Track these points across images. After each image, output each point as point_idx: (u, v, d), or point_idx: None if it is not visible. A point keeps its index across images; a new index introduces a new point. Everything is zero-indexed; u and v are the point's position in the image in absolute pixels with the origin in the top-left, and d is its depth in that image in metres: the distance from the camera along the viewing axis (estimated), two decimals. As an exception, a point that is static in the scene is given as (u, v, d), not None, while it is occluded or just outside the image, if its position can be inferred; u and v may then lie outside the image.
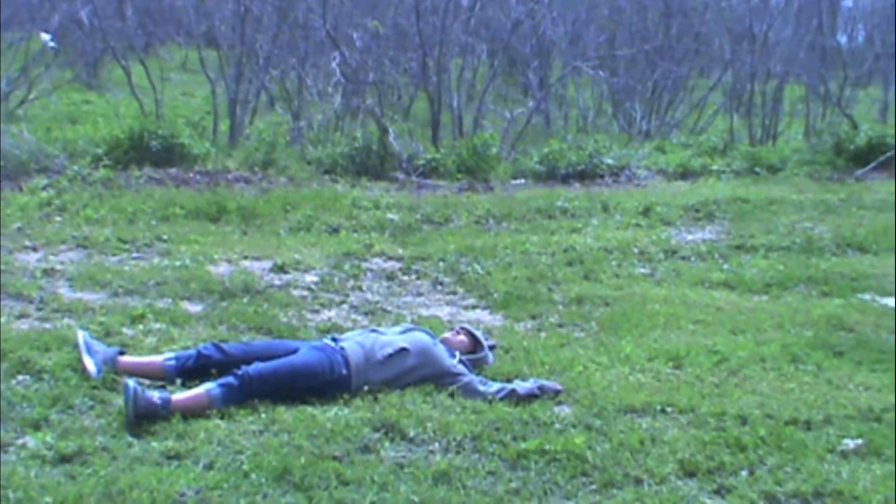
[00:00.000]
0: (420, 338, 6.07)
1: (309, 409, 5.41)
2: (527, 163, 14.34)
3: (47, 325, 6.62)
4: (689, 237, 10.69)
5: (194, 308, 7.32)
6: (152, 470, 4.62)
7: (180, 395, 5.33)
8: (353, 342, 5.91)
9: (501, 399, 5.73)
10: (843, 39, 24.26)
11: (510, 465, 4.94)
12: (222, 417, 5.24)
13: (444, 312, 7.73)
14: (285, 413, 5.33)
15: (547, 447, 5.04)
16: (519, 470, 4.89)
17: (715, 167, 14.96)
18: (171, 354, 5.90)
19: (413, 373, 5.86)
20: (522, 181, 13.74)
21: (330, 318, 7.33)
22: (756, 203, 12.29)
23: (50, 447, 4.77)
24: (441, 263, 9.14)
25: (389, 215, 10.94)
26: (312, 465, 4.72)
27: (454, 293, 8.34)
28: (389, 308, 7.73)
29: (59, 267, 8.17)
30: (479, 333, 6.40)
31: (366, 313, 7.55)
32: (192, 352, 5.87)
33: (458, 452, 5.05)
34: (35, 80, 17.17)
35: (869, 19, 24.96)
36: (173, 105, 17.37)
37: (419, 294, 8.29)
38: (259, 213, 10.62)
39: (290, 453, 4.85)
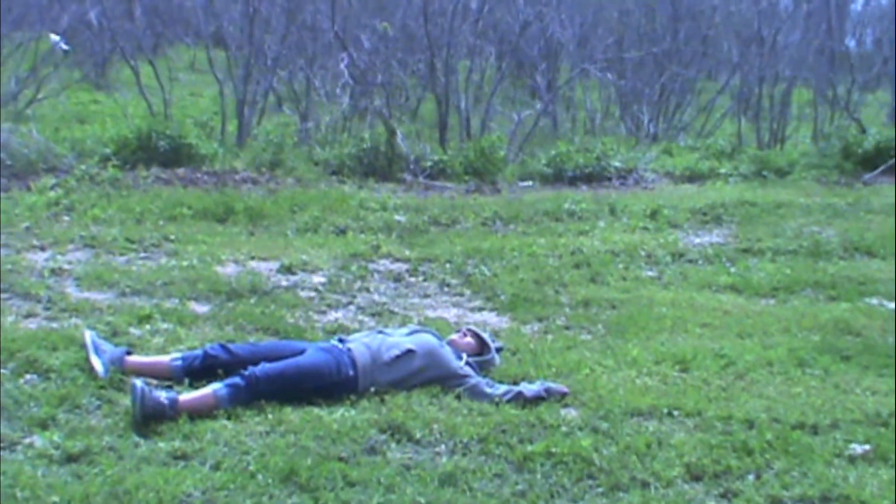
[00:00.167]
0: (427, 339, 6.07)
1: (315, 410, 5.41)
2: (534, 165, 14.34)
3: (55, 325, 6.63)
4: (697, 240, 10.68)
5: (201, 308, 7.33)
6: (159, 470, 4.62)
7: (187, 396, 5.34)
8: (360, 343, 5.91)
9: (508, 401, 5.73)
10: (851, 43, 24.28)
11: (516, 468, 4.94)
12: (229, 418, 5.24)
13: (450, 314, 7.73)
14: (292, 414, 5.33)
15: (553, 450, 5.04)
16: (525, 472, 4.89)
17: (722, 170, 14.94)
18: (178, 355, 5.91)
19: (420, 374, 5.86)
20: (530, 183, 13.75)
21: (337, 320, 7.33)
22: (763, 207, 12.28)
23: (57, 446, 4.77)
24: (448, 265, 9.14)
25: (397, 217, 10.94)
26: (319, 467, 4.72)
27: (461, 295, 8.34)
28: (396, 309, 7.73)
29: (66, 266, 8.19)
30: (485, 335, 6.40)
31: (373, 315, 7.55)
32: (198, 352, 5.88)
33: (464, 454, 5.05)
34: (44, 80, 17.19)
35: (877, 23, 24.93)
36: (181, 105, 17.40)
37: (426, 296, 8.29)
38: (266, 214, 10.63)
39: (297, 454, 4.85)
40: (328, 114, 16.24)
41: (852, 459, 5.19)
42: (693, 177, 14.73)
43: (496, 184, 13.46)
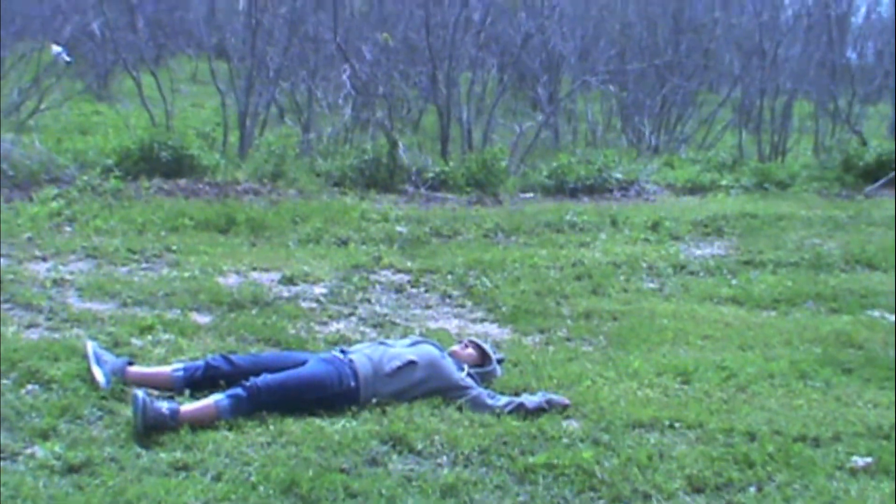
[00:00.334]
0: (428, 350, 6.07)
1: (317, 421, 5.41)
2: (536, 177, 14.35)
3: (56, 335, 6.63)
4: (698, 252, 10.69)
5: (203, 319, 7.33)
6: (160, 481, 4.62)
7: (189, 407, 5.34)
8: (362, 354, 5.91)
9: (509, 413, 5.73)
10: (852, 56, 24.28)
11: (518, 480, 4.94)
12: (230, 429, 5.24)
13: (452, 325, 7.73)
14: (293, 425, 5.33)
15: (555, 461, 5.04)
16: (527, 484, 4.89)
17: (724, 183, 14.95)
18: (180, 365, 5.91)
19: (421, 386, 5.86)
20: (531, 195, 13.75)
21: (338, 331, 7.33)
22: (765, 219, 12.28)
23: (58, 457, 4.77)
24: (449, 276, 9.14)
25: (398, 228, 10.95)
26: (320, 478, 4.72)
27: (462, 306, 8.35)
28: (398, 321, 7.73)
29: (68, 277, 8.19)
30: (487, 347, 6.40)
31: (374, 326, 7.55)
32: (200, 363, 5.88)
33: (465, 466, 5.05)
34: (46, 90, 17.20)
35: (878, 36, 24.94)
36: (183, 116, 17.42)
37: (427, 307, 8.29)
38: (268, 225, 10.64)
39: (298, 465, 4.85)
40: (330, 125, 16.26)
41: (854, 472, 5.19)
42: (694, 189, 14.74)
43: (498, 195, 13.47)
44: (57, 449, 4.84)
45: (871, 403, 6.22)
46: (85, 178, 11.86)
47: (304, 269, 8.96)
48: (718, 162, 16.46)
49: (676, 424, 5.70)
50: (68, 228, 10.06)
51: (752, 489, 4.95)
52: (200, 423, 5.23)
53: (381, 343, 6.22)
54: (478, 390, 5.93)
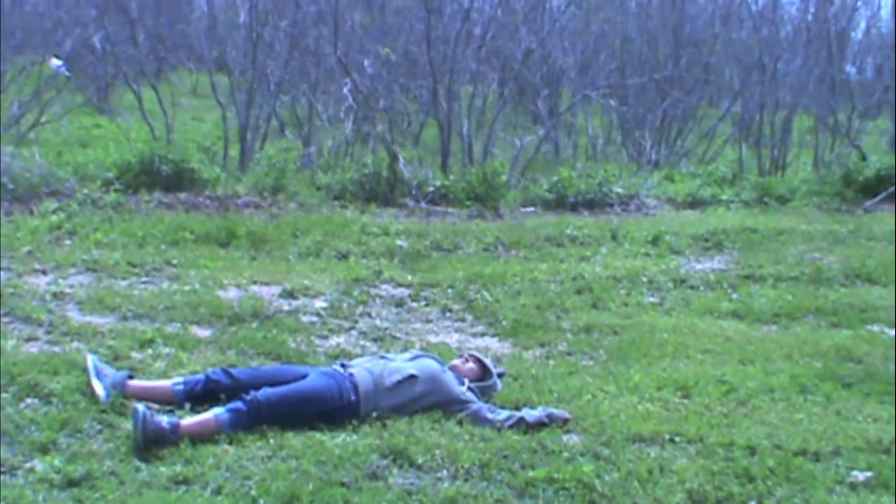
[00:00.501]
0: (429, 365, 6.07)
1: (317, 435, 5.41)
2: (536, 191, 14.36)
3: (56, 349, 6.63)
4: (698, 266, 10.69)
5: (203, 333, 7.33)
6: (160, 494, 4.62)
7: (189, 420, 5.34)
8: (362, 368, 5.91)
9: (510, 427, 5.73)
10: (852, 71, 24.31)
11: (518, 494, 4.93)
12: (231, 443, 5.24)
13: (452, 339, 7.74)
14: (293, 439, 5.33)
15: (555, 476, 5.03)
16: (527, 498, 4.89)
17: (724, 197, 14.96)
18: (180, 379, 5.91)
19: (422, 400, 5.85)
20: (532, 209, 13.76)
21: (339, 344, 7.33)
22: (765, 233, 12.28)
23: (58, 471, 4.76)
24: (450, 290, 9.14)
25: (399, 242, 10.95)
26: (320, 492, 4.72)
27: (463, 320, 8.35)
28: (398, 334, 7.73)
29: (68, 290, 8.19)
30: (487, 361, 6.40)
31: (374, 340, 7.55)
32: (200, 377, 5.88)
33: (466, 480, 5.04)
34: (46, 104, 17.21)
35: (878, 51, 24.98)
36: (184, 130, 17.43)
37: (428, 321, 8.29)
38: (268, 239, 10.64)
39: (299, 479, 4.84)
40: (331, 139, 16.28)
41: (854, 486, 5.19)
42: (695, 203, 14.75)
43: (498, 209, 13.47)
44: (57, 463, 4.84)
45: (871, 418, 6.22)
46: (85, 191, 11.87)
47: (304, 282, 8.96)
48: (719, 176, 16.47)
49: (677, 438, 5.70)
50: (68, 242, 10.06)
51: (753, 503, 4.94)
52: (200, 437, 5.23)
53: (382, 357, 6.22)
54: (478, 404, 5.93)
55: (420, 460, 5.20)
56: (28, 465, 4.87)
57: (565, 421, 5.86)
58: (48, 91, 17.41)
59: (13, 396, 5.67)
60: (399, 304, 8.71)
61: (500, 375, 6.40)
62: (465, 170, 14.82)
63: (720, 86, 22.72)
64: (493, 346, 7.58)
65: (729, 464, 5.34)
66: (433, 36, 15.55)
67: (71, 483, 4.69)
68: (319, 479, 4.86)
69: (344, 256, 10.30)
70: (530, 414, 5.86)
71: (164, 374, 6.20)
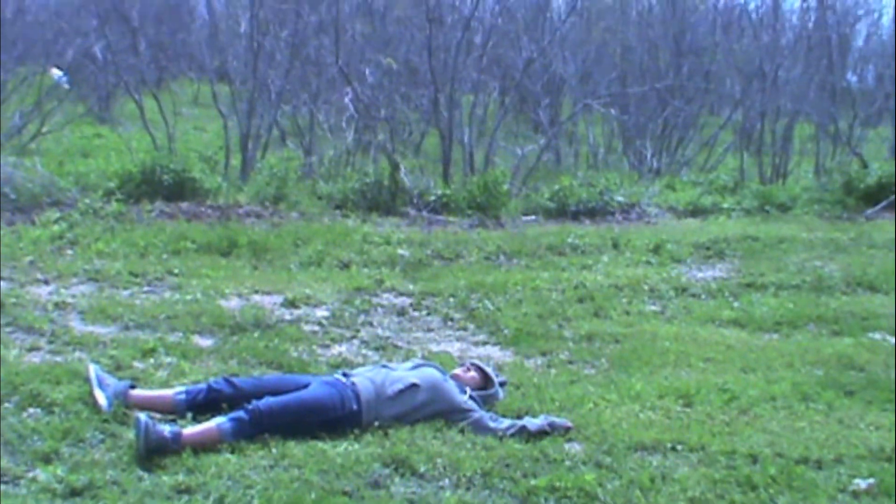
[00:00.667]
0: (430, 374, 6.07)
1: (319, 444, 5.41)
2: (537, 199, 14.36)
3: (58, 359, 6.63)
4: (700, 275, 10.69)
5: (205, 342, 7.34)
6: (162, 504, 4.63)
7: (191, 430, 5.34)
8: (364, 377, 5.92)
9: (512, 435, 5.73)
10: (853, 79, 24.33)
11: (521, 502, 4.94)
12: (233, 452, 5.24)
13: (454, 348, 7.73)
14: (295, 448, 5.33)
15: (557, 484, 5.03)
16: (529, 507, 4.89)
17: (725, 205, 14.96)
18: (182, 388, 5.91)
19: (424, 409, 5.86)
20: (533, 218, 13.76)
21: (340, 353, 7.33)
22: (766, 241, 12.28)
23: (60, 480, 4.76)
24: (451, 299, 9.14)
25: (400, 251, 10.95)
26: (323, 501, 4.72)
27: (465, 329, 8.35)
28: (400, 343, 7.73)
29: (70, 300, 8.19)
30: (489, 370, 6.40)
31: (376, 349, 7.55)
32: (202, 386, 5.88)
33: (468, 489, 5.04)
34: (48, 114, 17.26)
35: (879, 59, 24.98)
36: (185, 139, 17.46)
37: (430, 330, 8.29)
38: (270, 248, 10.64)
39: (301, 488, 4.84)
40: (332, 148, 16.29)
41: (856, 494, 5.19)
42: (696, 211, 14.75)
43: (499, 218, 13.48)
44: (59, 472, 4.84)
45: (873, 426, 6.22)
46: (87, 201, 11.88)
47: (305, 291, 8.97)
48: (720, 184, 16.47)
49: (678, 447, 5.70)
50: (70, 251, 10.07)
51: (755, 512, 4.95)
52: (203, 447, 5.23)
53: (384, 366, 6.23)
54: (480, 413, 5.93)
55: (422, 469, 5.20)
56: (30, 474, 4.88)
57: (567, 429, 5.86)
58: (50, 101, 17.45)
59: (15, 406, 5.67)
60: (401, 313, 8.71)
61: (501, 384, 6.40)
62: (467, 179, 14.83)
63: (721, 94, 22.75)
64: (494, 355, 7.58)
65: (731, 472, 5.34)
66: (434, 45, 15.56)
67: (73, 492, 4.69)
68: (321, 489, 4.87)
69: (345, 266, 10.30)
70: (532, 422, 5.86)
71: (165, 384, 6.20)
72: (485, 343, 7.97)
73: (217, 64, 17.19)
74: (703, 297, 9.73)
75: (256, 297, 8.80)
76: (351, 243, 11.11)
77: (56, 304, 8.00)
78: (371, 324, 8.27)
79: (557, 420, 5.92)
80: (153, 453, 5.09)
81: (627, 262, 11.06)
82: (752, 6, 21.93)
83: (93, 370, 5.90)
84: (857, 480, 5.33)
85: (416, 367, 6.19)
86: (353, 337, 7.84)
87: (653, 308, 9.29)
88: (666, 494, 5.04)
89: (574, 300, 9.30)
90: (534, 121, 20.11)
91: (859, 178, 16.05)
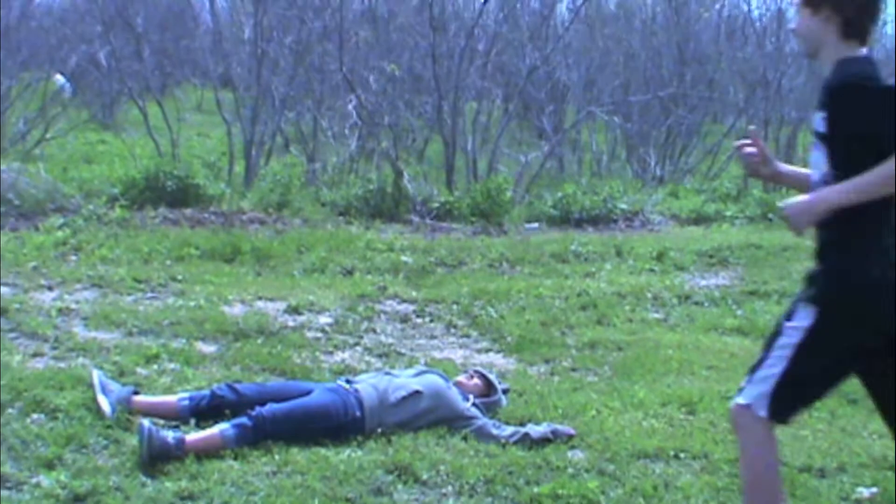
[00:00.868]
0: (434, 381, 6.08)
1: (322, 450, 5.42)
2: (541, 207, 14.36)
3: (62, 365, 6.64)
4: (703, 283, 10.69)
5: (208, 348, 7.35)
6: (166, 510, 4.63)
7: (194, 436, 5.35)
8: (367, 384, 5.92)
9: (515, 443, 5.73)
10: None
11: (523, 510, 4.94)
12: (236, 458, 5.25)
13: (457, 355, 7.73)
14: (298, 454, 5.34)
15: (560, 492, 5.04)
16: (532, 514, 4.89)
17: (728, 213, 14.96)
18: (186, 395, 5.92)
19: (427, 416, 5.86)
20: (536, 225, 13.76)
21: (343, 360, 7.34)
22: (769, 249, 12.27)
23: (64, 486, 4.78)
24: (455, 306, 9.14)
25: (403, 258, 10.95)
26: (325, 508, 4.73)
27: (468, 336, 8.35)
28: (403, 350, 7.73)
29: (74, 306, 8.20)
30: (492, 377, 6.41)
31: (379, 355, 7.56)
32: (206, 392, 5.90)
33: (471, 496, 5.05)
34: (52, 120, 17.29)
35: (882, 67, 24.95)
36: (189, 146, 17.49)
37: (433, 337, 8.29)
38: (273, 255, 10.65)
39: (304, 495, 4.85)
40: (335, 155, 16.29)
41: (859, 503, 5.18)
42: (699, 219, 14.74)
43: (503, 225, 13.47)
44: (62, 478, 4.85)
45: (877, 434, 6.21)
46: (90, 207, 11.90)
47: (309, 298, 8.97)
48: (723, 192, 16.46)
49: (681, 455, 5.70)
50: (74, 257, 10.08)
51: (758, 520, 4.93)
52: (206, 453, 5.24)
53: (387, 373, 6.24)
54: (483, 420, 5.93)
55: (425, 476, 5.21)
56: (34, 480, 4.89)
57: (570, 437, 5.86)
58: (53, 107, 17.49)
59: (19, 412, 5.69)
60: (404, 319, 8.72)
61: (504, 391, 6.40)
62: (470, 186, 14.83)
63: (725, 102, 22.73)
64: (497, 363, 7.59)
65: (734, 480, 5.33)
66: (438, 52, 15.58)
67: (76, 498, 4.71)
68: (324, 495, 4.87)
69: (349, 272, 10.30)
70: (535, 430, 5.86)
71: (169, 390, 6.21)
72: (488, 350, 7.97)
73: (221, 70, 17.20)
74: (706, 304, 9.73)
75: (260, 304, 8.80)
76: (354, 250, 11.11)
77: (60, 310, 8.02)
78: (374, 331, 8.28)
79: (560, 427, 5.92)
80: (156, 459, 5.10)
81: (631, 270, 11.05)
82: (755, 14, 21.91)
83: (96, 376, 5.92)
84: (860, 489, 5.34)
85: (419, 374, 6.20)
86: (357, 344, 7.85)
87: (656, 316, 9.29)
88: (669, 502, 5.05)
89: (577, 308, 9.30)
90: (537, 128, 20.09)
91: (862, 186, 16.00)
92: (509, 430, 5.88)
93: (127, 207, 12.02)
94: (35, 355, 6.85)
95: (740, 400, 4.21)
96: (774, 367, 4.16)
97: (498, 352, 7.93)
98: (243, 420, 5.45)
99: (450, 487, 5.12)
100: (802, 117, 19.30)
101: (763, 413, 4.14)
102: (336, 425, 5.65)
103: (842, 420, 6.48)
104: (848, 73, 4.08)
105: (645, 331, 8.66)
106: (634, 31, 21.56)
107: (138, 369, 6.66)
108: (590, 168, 19.32)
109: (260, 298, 8.96)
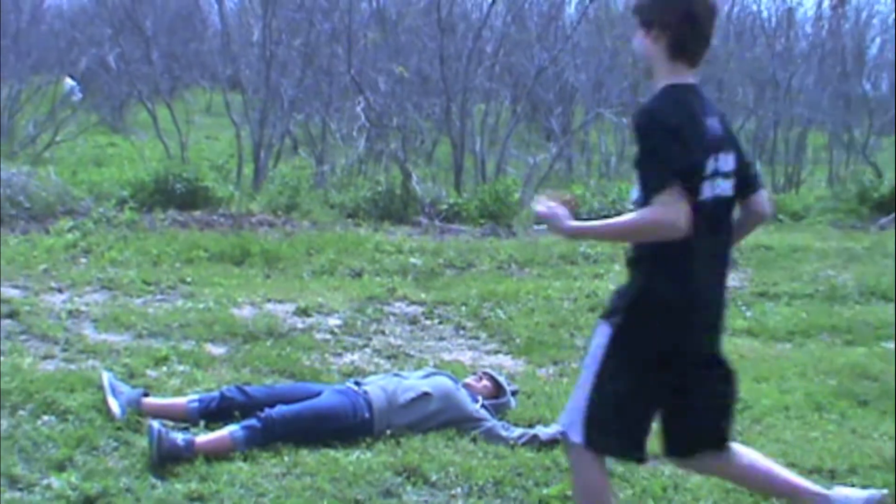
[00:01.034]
0: (442, 382, 6.08)
1: (331, 452, 5.43)
2: (550, 208, 14.31)
3: (72, 367, 6.65)
4: (712, 284, 10.64)
5: (218, 350, 7.35)
6: (175, 512, 4.64)
7: (204, 438, 5.36)
8: (376, 386, 5.93)
9: (524, 444, 5.74)
10: (867, 87, 24.26)
11: (533, 511, 4.94)
12: (245, 460, 5.26)
13: (466, 357, 7.73)
14: (308, 456, 5.34)
15: (569, 493, 5.01)
16: (541, 516, 4.89)
17: (738, 214, 14.90)
18: (195, 396, 5.93)
19: (435, 417, 5.86)
20: (545, 227, 13.72)
21: (352, 362, 7.34)
22: (779, 250, 12.25)
23: (74, 488, 4.79)
24: (463, 308, 9.13)
25: (412, 260, 10.95)
26: (335, 509, 4.73)
27: (476, 338, 8.34)
28: (412, 352, 7.73)
29: (84, 308, 8.22)
30: (501, 378, 6.40)
31: (388, 357, 7.55)
32: (215, 394, 5.90)
33: (480, 497, 5.05)
34: (62, 123, 17.35)
35: (893, 67, 24.93)
36: (198, 148, 17.51)
37: (441, 338, 8.29)
38: (282, 257, 10.65)
39: (313, 497, 4.86)
40: (344, 157, 16.32)
41: (870, 505, 5.17)
42: (708, 220, 14.69)
43: (511, 227, 13.47)
44: (73, 480, 4.86)
45: (887, 436, 6.20)
46: (100, 209, 11.92)
47: (318, 300, 8.97)
48: (732, 193, 16.42)
49: (691, 456, 5.69)
50: (84, 260, 10.10)
51: (768, 522, 4.94)
52: (215, 454, 5.25)
53: (396, 375, 6.25)
54: (492, 422, 5.93)
55: (434, 478, 5.21)
56: (44, 482, 4.90)
57: (579, 439, 5.85)
58: (63, 110, 17.55)
59: (30, 414, 5.70)
60: (413, 321, 8.72)
61: (513, 393, 6.40)
62: (478, 187, 14.83)
63: (734, 102, 22.67)
64: (506, 364, 7.58)
65: (743, 481, 5.33)
66: (446, 54, 15.58)
67: (87, 500, 4.72)
68: (334, 497, 4.88)
69: (357, 274, 10.31)
70: (544, 431, 5.85)
71: (178, 392, 6.22)
72: (497, 352, 7.97)
73: (230, 73, 17.23)
74: (715, 306, 9.70)
75: (269, 306, 8.81)
76: (363, 252, 11.11)
77: (70, 313, 8.03)
78: (383, 332, 8.28)
79: (570, 429, 5.91)
80: (166, 461, 5.11)
81: (640, 271, 11.01)
82: (765, 14, 21.86)
83: (106, 378, 5.93)
84: (870, 490, 5.32)
85: (428, 375, 6.21)
86: (365, 345, 7.85)
87: (665, 317, 9.26)
88: (678, 504, 5.04)
89: (586, 309, 9.28)
90: (546, 129, 20.09)
91: (873, 187, 16.00)
92: (518, 431, 5.88)
93: (136, 210, 12.04)
94: (45, 357, 6.86)
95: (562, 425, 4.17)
96: (583, 391, 4.09)
97: (507, 353, 7.92)
98: (252, 422, 5.46)
99: (459, 489, 5.13)
100: (812, 118, 19.29)
101: (578, 440, 4.07)
102: (345, 427, 5.65)
103: (852, 422, 6.46)
104: (647, 104, 4.13)
105: (654, 332, 8.63)
106: (643, 32, 21.48)
107: (148, 371, 6.67)
108: (598, 169, 19.31)
109: (269, 300, 8.97)
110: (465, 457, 5.49)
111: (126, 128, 20.11)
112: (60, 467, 5.05)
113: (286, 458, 5.31)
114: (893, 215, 15.07)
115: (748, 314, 9.38)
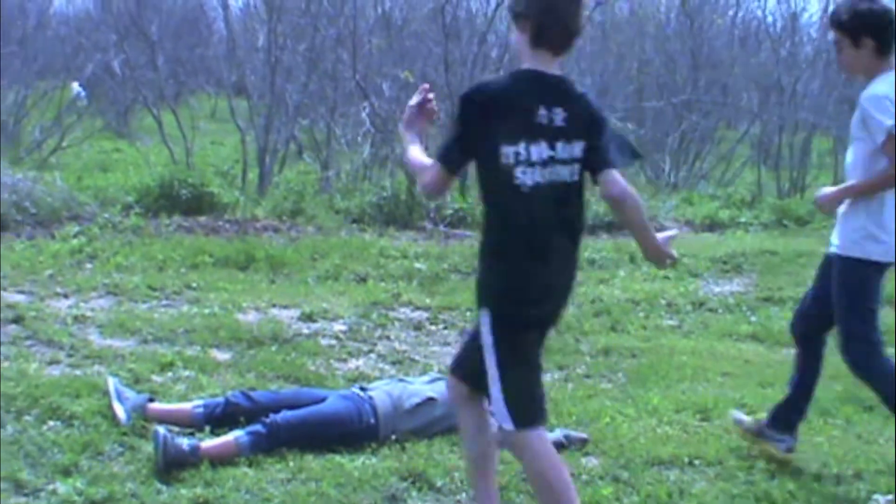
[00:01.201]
0: (448, 388, 6.08)
1: (336, 457, 5.43)
2: (554, 213, 14.32)
3: (78, 372, 6.67)
4: (717, 289, 10.67)
5: (223, 356, 7.36)
6: (181, 517, 4.64)
7: (209, 443, 5.37)
8: (381, 391, 5.93)
9: (528, 449, 5.73)
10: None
11: (537, 517, 4.93)
12: (250, 465, 5.27)
13: (471, 362, 7.71)
14: (313, 461, 5.35)
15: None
16: (546, 521, 4.87)
17: (743, 219, 14.93)
18: (200, 402, 5.94)
19: (441, 422, 5.86)
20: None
21: (357, 367, 7.34)
22: (784, 256, 12.24)
23: (80, 493, 4.80)
24: (468, 313, 9.12)
25: (417, 265, 10.95)
26: (340, 514, 4.74)
27: (481, 343, 8.32)
28: (417, 357, 7.74)
29: (89, 314, 8.23)
30: (506, 384, 6.39)
31: (393, 363, 7.56)
32: (220, 399, 5.91)
33: (485, 503, 5.04)
34: (67, 128, 17.38)
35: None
36: (203, 154, 17.54)
37: (446, 344, 8.29)
38: (287, 262, 10.65)
39: (318, 502, 4.87)
40: (349, 162, 16.32)
41: (875, 510, 5.18)
42: (713, 225, 14.72)
43: (516, 232, 13.43)
44: (78, 485, 4.88)
45: (892, 441, 6.19)
46: (105, 215, 11.93)
47: (323, 305, 8.98)
48: (737, 198, 16.44)
49: (696, 462, 5.70)
50: (89, 265, 10.11)
51: (773, 527, 4.94)
52: (220, 460, 5.26)
53: (401, 380, 6.25)
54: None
55: (439, 483, 5.21)
56: (50, 487, 4.92)
57: (584, 442, 5.86)
58: (69, 116, 17.57)
59: (35, 419, 5.72)
60: (418, 327, 8.72)
61: (518, 398, 6.39)
62: (484, 193, 14.80)
63: (738, 108, 22.70)
64: (511, 369, 7.56)
65: (749, 487, 5.34)
66: (451, 59, 15.58)
67: (93, 505, 4.73)
68: (339, 502, 4.89)
69: (362, 279, 10.31)
70: (548, 436, 5.84)
71: (184, 397, 6.23)
72: (501, 357, 7.95)
73: (235, 78, 17.26)
74: (720, 311, 9.72)
75: (274, 311, 8.82)
76: (368, 257, 11.11)
77: (75, 318, 8.04)
78: (388, 338, 8.28)
79: (573, 433, 5.92)
80: (171, 466, 5.12)
81: (644, 277, 11.03)
82: (770, 19, 21.87)
83: (112, 383, 5.94)
84: (876, 496, 5.32)
85: (432, 380, 6.21)
86: (370, 351, 7.85)
87: (670, 322, 9.29)
88: (683, 509, 5.04)
89: (591, 314, 9.29)
90: (551, 134, 20.06)
91: (877, 192, 15.95)
92: (523, 436, 5.87)
93: (142, 215, 12.05)
94: (51, 363, 6.87)
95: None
96: (495, 383, 4.25)
97: (511, 358, 7.90)
98: (258, 427, 5.47)
99: (464, 494, 5.13)
100: (817, 122, 19.27)
101: (511, 426, 4.25)
102: (350, 432, 5.66)
103: (858, 427, 6.47)
104: (478, 82, 4.66)
105: (659, 337, 8.65)
106: (647, 37, 21.53)
107: (153, 377, 6.68)
108: (603, 174, 19.26)
109: (274, 306, 8.98)
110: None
111: (131, 133, 20.14)
112: (66, 472, 5.06)
113: (291, 464, 5.31)
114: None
115: (753, 319, 9.39)
